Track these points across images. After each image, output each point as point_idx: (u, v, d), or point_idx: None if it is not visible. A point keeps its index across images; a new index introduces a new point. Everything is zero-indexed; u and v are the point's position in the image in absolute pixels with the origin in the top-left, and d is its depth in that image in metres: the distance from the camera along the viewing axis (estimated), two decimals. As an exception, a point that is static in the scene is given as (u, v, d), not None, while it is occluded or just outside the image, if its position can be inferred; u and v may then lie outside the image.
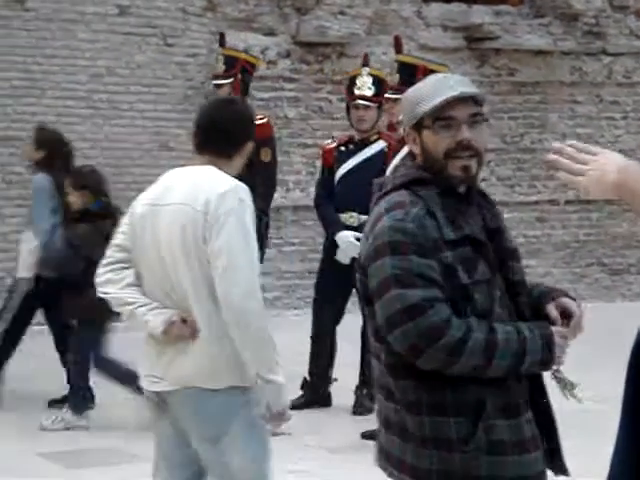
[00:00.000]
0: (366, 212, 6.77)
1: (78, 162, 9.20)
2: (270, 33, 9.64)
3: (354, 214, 6.56)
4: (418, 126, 2.63)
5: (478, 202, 2.73)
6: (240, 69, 7.48)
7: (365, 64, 6.91)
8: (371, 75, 6.75)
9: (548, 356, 2.69)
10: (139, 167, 9.36)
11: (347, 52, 9.94)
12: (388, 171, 6.05)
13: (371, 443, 6.08)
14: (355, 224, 6.54)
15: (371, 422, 6.37)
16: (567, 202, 10.88)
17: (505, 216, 11.32)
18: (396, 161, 6.00)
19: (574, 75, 10.82)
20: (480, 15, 10.37)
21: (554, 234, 10.84)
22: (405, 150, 5.93)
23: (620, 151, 10.21)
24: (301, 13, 9.80)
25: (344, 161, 6.67)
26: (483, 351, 2.53)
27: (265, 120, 7.43)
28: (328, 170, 6.76)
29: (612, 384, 7.32)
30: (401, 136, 6.09)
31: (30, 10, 8.96)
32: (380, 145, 6.61)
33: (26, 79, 8.96)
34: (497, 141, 10.61)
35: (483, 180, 10.59)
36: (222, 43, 7.70)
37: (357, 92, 6.63)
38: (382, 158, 6.49)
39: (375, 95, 6.62)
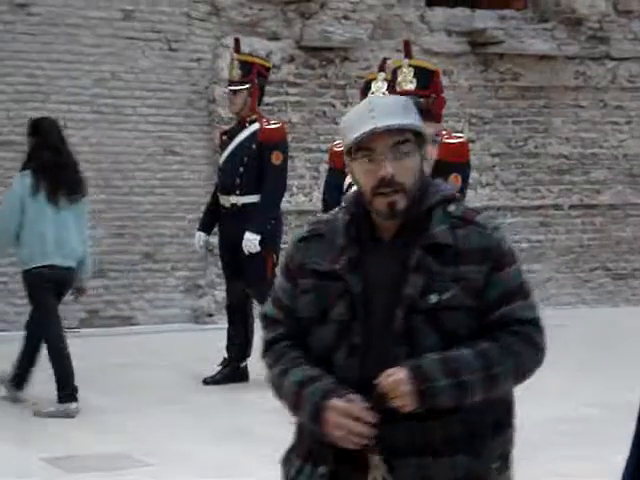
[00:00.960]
0: None
1: (82, 167, 9.23)
2: (274, 38, 9.64)
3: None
4: (349, 155, 2.52)
5: (411, 243, 2.48)
6: (256, 74, 7.51)
7: (381, 69, 6.90)
8: (386, 81, 6.77)
9: (315, 425, 2.51)
10: (143, 171, 9.37)
11: (351, 57, 9.94)
12: None
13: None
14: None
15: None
16: (571, 207, 10.87)
17: (509, 220, 11.35)
18: None
19: (578, 79, 10.81)
20: (484, 20, 10.37)
21: (558, 239, 10.83)
22: None
23: (624, 156, 10.22)
24: (305, 18, 9.81)
25: None
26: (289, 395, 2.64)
27: (279, 125, 7.53)
28: (338, 171, 6.73)
29: (616, 389, 7.32)
30: None
31: (34, 15, 8.97)
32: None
33: (30, 84, 8.97)
34: (501, 145, 10.61)
35: (487, 185, 10.59)
36: (237, 49, 7.70)
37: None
38: None
39: None
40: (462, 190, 5.89)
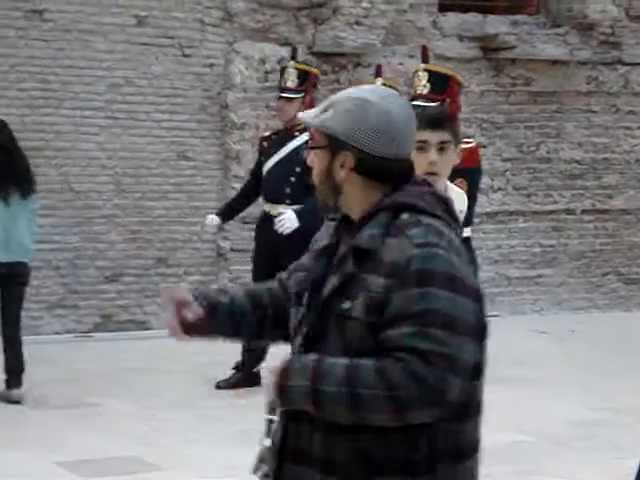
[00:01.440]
0: None
1: (96, 172, 9.28)
2: (286, 43, 9.67)
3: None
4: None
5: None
6: (311, 84, 7.55)
7: (378, 74, 6.93)
8: (385, 86, 6.80)
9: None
10: (156, 177, 9.40)
11: (363, 62, 9.96)
12: None
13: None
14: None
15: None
16: (583, 211, 10.87)
17: (521, 225, 11.37)
18: None
19: (590, 85, 10.82)
20: (496, 25, 10.38)
21: (570, 243, 10.84)
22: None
23: (636, 160, 10.24)
24: (317, 23, 9.84)
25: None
26: None
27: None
28: None
29: (627, 394, 7.34)
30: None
31: (48, 21, 9.02)
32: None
33: (44, 89, 9.02)
34: (513, 150, 10.61)
35: (499, 190, 10.60)
36: (294, 56, 7.72)
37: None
38: None
39: None
40: (470, 196, 5.91)
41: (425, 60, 6.27)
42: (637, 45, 10.89)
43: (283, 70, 7.71)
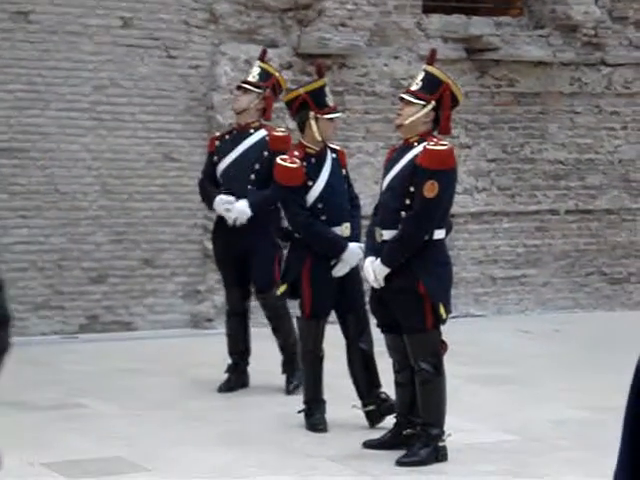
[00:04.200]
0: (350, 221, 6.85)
1: (82, 173, 9.28)
2: (272, 45, 9.69)
3: (348, 225, 6.63)
4: None
5: None
6: (272, 86, 7.55)
7: (321, 75, 6.88)
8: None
9: None
10: (142, 178, 9.42)
11: (348, 64, 10.00)
12: (393, 174, 6.07)
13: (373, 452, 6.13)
14: (349, 235, 6.62)
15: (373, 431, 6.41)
16: (567, 212, 10.92)
17: (505, 225, 11.42)
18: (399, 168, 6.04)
19: (573, 86, 10.87)
20: (480, 27, 10.43)
21: (554, 244, 10.89)
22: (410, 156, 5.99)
23: (620, 161, 10.30)
24: (302, 25, 9.86)
25: (317, 174, 6.59)
26: None
27: (285, 133, 7.53)
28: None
29: (612, 393, 7.40)
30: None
31: (34, 22, 9.02)
32: (330, 152, 6.72)
33: (30, 91, 9.02)
34: (497, 151, 10.66)
35: (484, 190, 10.65)
36: (262, 58, 7.73)
37: (331, 103, 6.66)
38: (339, 164, 6.70)
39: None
40: (439, 197, 5.93)
41: (430, 63, 6.31)
42: (620, 46, 10.95)
43: (250, 68, 7.77)
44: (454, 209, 10.83)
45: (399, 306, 5.95)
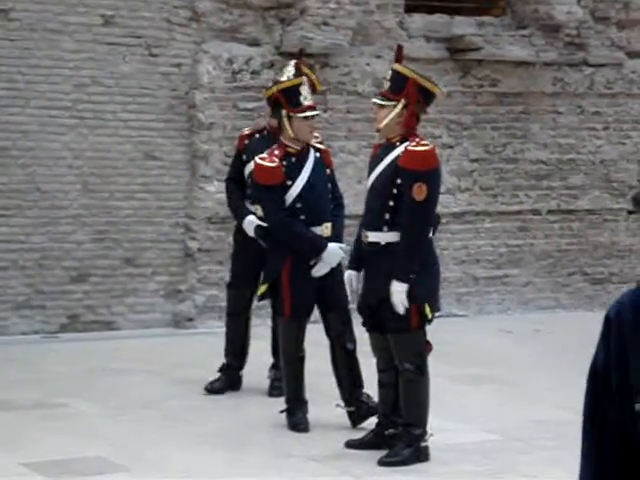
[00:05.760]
0: (332, 220, 6.76)
1: (63, 172, 9.24)
2: (254, 43, 9.67)
3: (329, 224, 6.57)
4: None
5: None
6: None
7: (300, 74, 6.79)
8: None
9: None
10: (123, 176, 9.38)
11: (331, 63, 9.98)
12: (376, 174, 6.06)
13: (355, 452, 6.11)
14: (329, 234, 6.56)
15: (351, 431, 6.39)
16: (549, 212, 10.93)
17: (487, 225, 11.43)
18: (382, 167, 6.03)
19: (556, 86, 10.88)
20: (462, 26, 10.43)
21: (536, 244, 10.90)
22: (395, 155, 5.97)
23: (601, 161, 10.31)
24: (285, 24, 9.84)
25: (297, 173, 6.56)
26: None
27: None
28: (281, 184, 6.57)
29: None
30: None
31: (14, 20, 8.97)
32: (313, 152, 6.66)
33: (10, 89, 8.97)
34: (480, 151, 10.66)
35: (466, 190, 10.65)
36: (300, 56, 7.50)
37: (306, 103, 6.61)
38: (322, 163, 6.64)
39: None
40: (429, 199, 5.92)
41: (398, 60, 6.28)
42: (602, 47, 10.97)
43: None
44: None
45: (384, 306, 5.94)
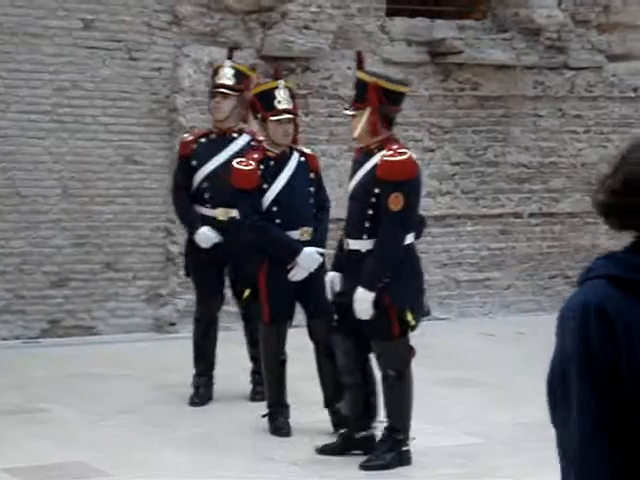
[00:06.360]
0: (312, 225, 6.71)
1: (43, 176, 9.20)
2: (235, 47, 9.63)
3: (308, 229, 6.53)
4: None
5: None
6: (246, 86, 7.35)
7: (278, 77, 6.81)
8: (287, 88, 6.75)
9: None
10: (104, 181, 9.35)
11: (312, 66, 9.98)
12: (356, 181, 6.05)
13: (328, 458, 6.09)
14: (308, 239, 6.52)
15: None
16: (530, 215, 10.95)
17: (469, 229, 11.43)
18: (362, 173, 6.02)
19: (537, 89, 10.91)
20: (443, 30, 10.44)
21: (518, 247, 10.91)
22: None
23: (582, 164, 10.35)
24: (266, 28, 9.83)
25: (275, 177, 6.52)
26: None
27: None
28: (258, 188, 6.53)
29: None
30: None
31: (-6, 24, 8.93)
32: (297, 156, 6.64)
33: (-10, 93, 8.93)
34: (461, 155, 10.67)
35: (448, 193, 10.66)
36: (230, 56, 7.51)
37: (280, 106, 6.58)
38: (306, 168, 6.59)
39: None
40: (406, 208, 5.89)
41: (359, 66, 6.28)
42: (583, 50, 11.00)
43: (218, 71, 7.38)
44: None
45: None
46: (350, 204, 6.12)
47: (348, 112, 6.13)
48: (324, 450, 6.15)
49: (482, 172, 10.75)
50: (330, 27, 9.94)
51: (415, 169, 6.00)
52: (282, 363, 6.58)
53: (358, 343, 6.02)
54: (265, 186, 6.49)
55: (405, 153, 5.97)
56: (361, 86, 6.06)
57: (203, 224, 7.20)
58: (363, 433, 6.06)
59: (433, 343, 8.91)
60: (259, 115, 6.59)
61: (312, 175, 6.65)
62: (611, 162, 2.18)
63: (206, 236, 7.11)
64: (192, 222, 7.25)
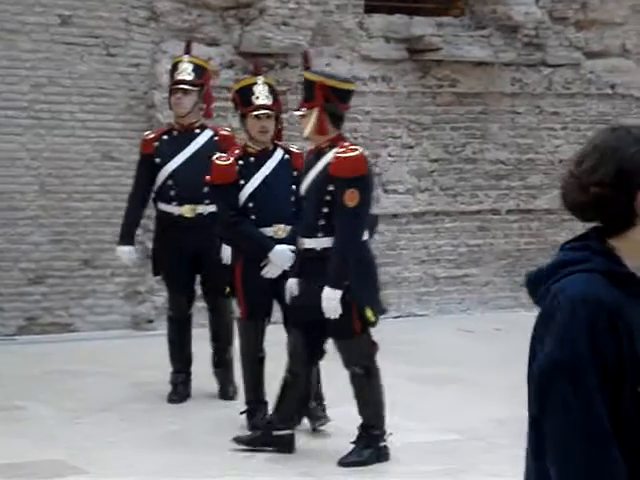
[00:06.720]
0: (290, 223, 6.68)
1: (20, 172, 9.15)
2: (213, 43, 9.63)
3: (283, 226, 6.51)
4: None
5: None
6: (207, 81, 7.32)
7: (257, 73, 6.81)
8: (267, 84, 6.74)
9: None
10: (81, 177, 9.31)
11: (291, 63, 9.96)
12: (308, 181, 6.04)
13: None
14: (284, 236, 6.50)
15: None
16: (508, 211, 10.98)
17: (447, 225, 11.45)
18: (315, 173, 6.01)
19: (514, 86, 10.93)
20: (422, 27, 10.45)
21: (496, 243, 10.94)
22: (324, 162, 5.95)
23: (560, 161, 10.38)
24: (244, 24, 9.81)
25: (253, 173, 6.50)
26: None
27: (229, 133, 7.37)
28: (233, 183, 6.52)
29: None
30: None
31: (-30, 19, 8.88)
32: (281, 153, 6.63)
33: (-34, 89, 8.88)
34: (439, 151, 10.69)
35: (426, 190, 10.67)
36: (188, 51, 7.46)
37: (257, 102, 6.56)
38: (289, 165, 6.57)
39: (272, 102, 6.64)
40: (361, 204, 5.89)
41: (306, 66, 6.29)
42: (560, 47, 11.03)
43: (177, 65, 7.30)
44: (396, 209, 10.87)
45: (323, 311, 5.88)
46: (304, 204, 6.12)
47: (297, 112, 6.14)
48: (240, 440, 6.12)
49: (460, 169, 10.77)
50: (308, 24, 9.93)
51: (367, 166, 6.00)
52: (260, 360, 6.57)
53: (311, 347, 6.00)
54: (242, 182, 6.48)
55: (356, 150, 5.98)
56: (308, 86, 6.07)
57: (170, 223, 7.14)
58: (284, 432, 6.04)
59: (411, 339, 8.93)
60: (239, 111, 6.60)
61: (295, 173, 6.62)
62: (584, 153, 2.17)
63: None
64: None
